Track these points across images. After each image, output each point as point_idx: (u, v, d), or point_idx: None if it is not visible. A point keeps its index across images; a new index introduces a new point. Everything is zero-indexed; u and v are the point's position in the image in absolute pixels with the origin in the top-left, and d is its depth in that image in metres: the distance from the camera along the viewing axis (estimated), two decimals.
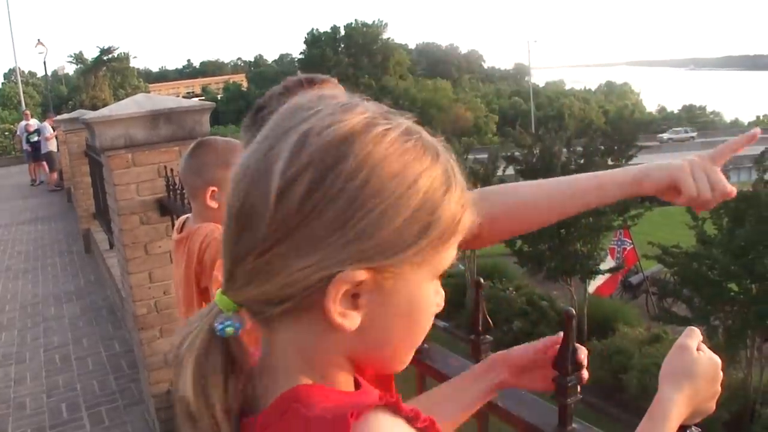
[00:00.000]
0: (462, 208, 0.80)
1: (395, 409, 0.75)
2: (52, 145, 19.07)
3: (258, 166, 0.76)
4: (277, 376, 0.80)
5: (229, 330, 0.79)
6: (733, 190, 1.28)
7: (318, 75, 1.53)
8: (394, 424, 0.74)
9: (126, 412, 5.30)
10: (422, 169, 0.76)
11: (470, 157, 27.02)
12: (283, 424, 0.74)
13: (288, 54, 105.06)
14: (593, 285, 21.85)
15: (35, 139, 20.58)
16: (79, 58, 54.77)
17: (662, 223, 24.40)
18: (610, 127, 23.95)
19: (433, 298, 0.82)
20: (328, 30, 78.28)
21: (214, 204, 2.62)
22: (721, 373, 1.08)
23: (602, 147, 22.24)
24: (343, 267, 0.74)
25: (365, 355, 0.82)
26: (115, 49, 54.49)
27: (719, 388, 1.08)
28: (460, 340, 16.40)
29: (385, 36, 78.54)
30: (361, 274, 0.74)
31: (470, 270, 21.79)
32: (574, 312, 1.23)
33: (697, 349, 1.07)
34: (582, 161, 21.89)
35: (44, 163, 20.60)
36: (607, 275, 21.84)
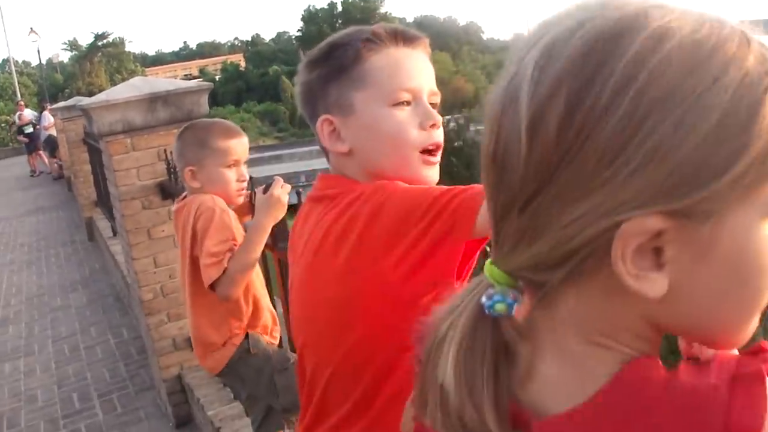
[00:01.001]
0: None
1: None
2: (53, 131, 19.01)
3: (503, 99, 0.60)
4: (570, 359, 0.62)
5: (500, 307, 0.63)
6: None
7: (415, 33, 1.39)
8: None
9: (138, 398, 5.28)
10: (728, 57, 0.55)
11: (472, 128, 27.00)
12: (625, 409, 0.58)
13: (285, 32, 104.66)
14: None
15: (30, 130, 20.54)
16: (73, 45, 54.62)
17: None
18: None
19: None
20: (325, 6, 78.09)
21: (195, 183, 2.65)
22: None
23: None
24: (629, 212, 0.54)
25: (684, 326, 0.62)
26: (109, 35, 54.35)
27: None
28: None
29: (382, 10, 78.24)
30: (657, 221, 0.54)
31: None
32: None
33: None
34: None
35: (41, 153, 20.56)
36: None
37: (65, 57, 64.08)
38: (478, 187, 1.05)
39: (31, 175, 21.81)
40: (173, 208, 2.78)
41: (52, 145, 18.94)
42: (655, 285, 0.56)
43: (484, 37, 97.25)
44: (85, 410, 5.26)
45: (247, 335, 2.66)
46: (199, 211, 2.52)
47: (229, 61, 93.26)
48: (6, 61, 50.70)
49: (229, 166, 2.63)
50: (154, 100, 4.03)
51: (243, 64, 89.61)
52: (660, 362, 0.60)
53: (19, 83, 40.76)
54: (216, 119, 2.88)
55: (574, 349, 0.62)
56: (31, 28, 36.61)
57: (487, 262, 0.66)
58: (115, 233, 8.09)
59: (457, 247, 1.09)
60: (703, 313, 0.60)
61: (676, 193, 0.54)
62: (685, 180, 0.54)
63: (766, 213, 0.57)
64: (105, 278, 8.78)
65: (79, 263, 9.96)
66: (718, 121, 0.53)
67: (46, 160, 20.38)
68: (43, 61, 53.76)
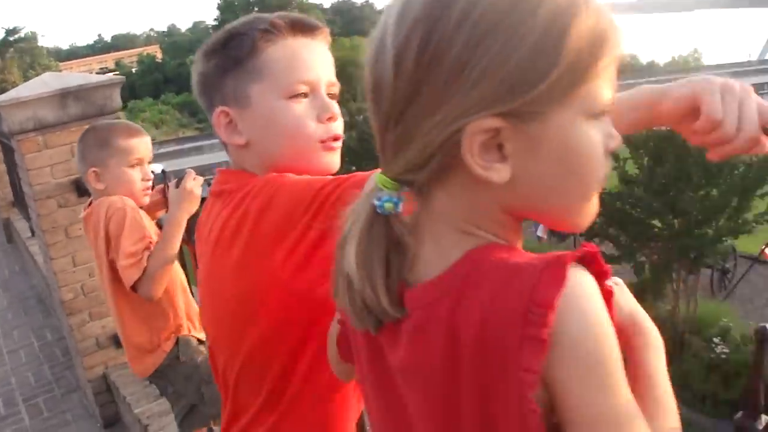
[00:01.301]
0: (604, 28, 0.73)
1: (591, 261, 0.73)
2: None
3: (375, 45, 0.77)
4: (441, 244, 0.78)
5: (388, 205, 0.78)
6: (766, 145, 1.01)
7: (315, 22, 1.40)
8: (591, 281, 0.71)
9: (64, 400, 5.19)
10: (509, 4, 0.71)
11: None
12: (472, 279, 0.74)
13: (202, 21, 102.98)
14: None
15: None
16: None
17: None
18: None
19: (596, 138, 0.76)
20: None
21: (99, 185, 2.61)
22: None
23: None
24: (471, 116, 0.71)
25: (531, 211, 0.78)
26: (21, 29, 52.69)
27: None
28: None
29: None
30: (493, 121, 0.71)
31: None
32: None
33: None
34: None
35: None
36: None
37: None
38: (361, 175, 1.14)
39: None
40: (81, 215, 2.74)
41: None
42: (500, 173, 0.73)
43: None
44: (10, 416, 5.14)
45: (177, 340, 2.64)
46: (110, 213, 2.49)
47: (145, 53, 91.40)
48: None
49: (132, 166, 2.60)
50: (65, 95, 3.95)
51: (159, 55, 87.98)
52: (509, 247, 0.77)
53: None
54: (115, 120, 2.86)
55: (445, 237, 0.78)
56: None
57: (376, 171, 0.81)
58: (33, 233, 7.90)
59: None
60: (543, 196, 0.76)
61: (506, 99, 0.70)
62: (512, 88, 0.70)
63: (584, 112, 0.73)
64: (25, 280, 8.58)
65: None
66: (534, 43, 0.69)
67: None
68: None
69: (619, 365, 0.71)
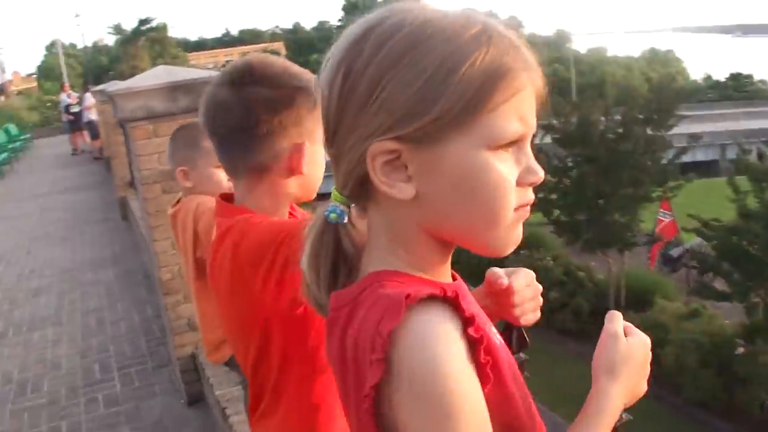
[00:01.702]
0: (503, 66, 0.82)
1: (454, 305, 0.81)
2: (93, 115, 19.33)
3: (320, 81, 0.90)
4: (371, 256, 0.90)
5: (333, 215, 0.90)
6: None
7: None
8: (439, 322, 0.79)
9: (154, 373, 5.50)
10: (436, 31, 0.82)
11: None
12: (360, 297, 0.85)
13: (326, 21, 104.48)
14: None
15: (76, 109, 20.94)
16: (118, 29, 55.26)
17: (704, 195, 24.05)
18: (652, 96, 23.35)
19: (500, 169, 0.83)
20: None
21: (188, 184, 2.65)
22: (650, 353, 1.03)
23: (641, 116, 21.78)
24: (374, 138, 0.82)
25: (442, 231, 0.87)
26: (153, 20, 54.83)
27: (648, 369, 1.03)
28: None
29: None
30: (391, 144, 0.82)
31: None
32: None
33: (626, 333, 1.01)
34: (621, 130, 21.51)
35: (85, 132, 20.95)
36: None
37: (110, 40, 64.88)
38: None
39: (73, 154, 22.23)
40: (169, 211, 2.78)
41: (92, 126, 19.29)
42: (403, 191, 0.84)
43: (525, 32, 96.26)
44: (104, 381, 5.50)
45: None
46: (199, 212, 2.54)
47: (269, 49, 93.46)
48: (53, 43, 51.53)
49: (219, 166, 2.57)
50: (175, 88, 4.19)
51: (283, 52, 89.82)
52: (402, 275, 0.86)
53: (65, 65, 41.51)
54: None
55: (372, 253, 0.90)
56: (77, 13, 37.26)
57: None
58: None
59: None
60: (447, 217, 0.85)
61: (402, 125, 0.81)
62: (406, 116, 0.81)
63: (484, 143, 0.82)
64: (135, 256, 9.04)
65: (112, 241, 10.26)
66: (426, 79, 0.80)
67: (88, 140, 20.76)
68: (90, 44, 54.58)
69: (464, 409, 0.77)
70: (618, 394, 0.97)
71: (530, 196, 0.87)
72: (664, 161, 21.63)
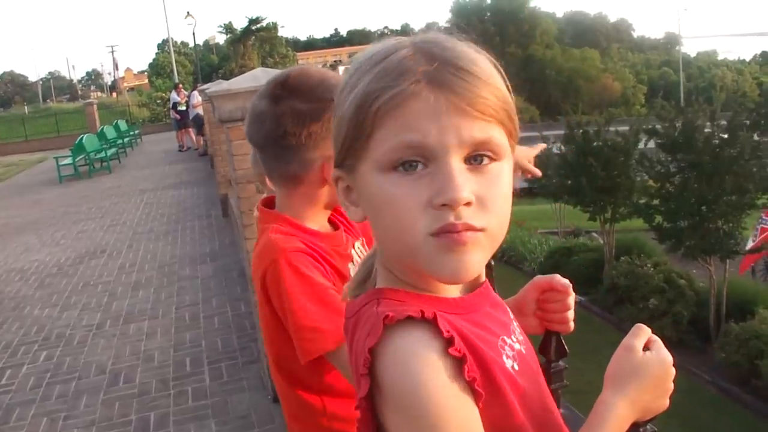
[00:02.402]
0: (371, 95, 0.86)
1: (432, 326, 0.83)
2: (201, 111, 19.89)
3: None
4: (378, 271, 0.97)
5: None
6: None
7: None
8: (416, 341, 0.82)
9: (243, 369, 5.61)
10: (350, 92, 0.89)
11: (612, 129, 26.55)
12: (361, 312, 0.91)
13: (435, 23, 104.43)
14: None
15: (183, 108, 21.66)
16: (228, 28, 56.53)
17: None
18: (761, 100, 22.40)
19: (392, 190, 0.85)
20: None
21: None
22: (673, 370, 1.01)
23: (747, 121, 20.90)
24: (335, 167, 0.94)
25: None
26: (263, 19, 55.87)
27: (671, 385, 1.02)
28: (594, 315, 16.16)
29: (531, 4, 76.53)
30: (335, 171, 0.93)
31: (609, 244, 21.27)
32: None
33: (647, 348, 1.01)
34: (726, 135, 20.75)
35: (190, 129, 21.64)
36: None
37: (221, 39, 66.57)
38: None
39: (179, 151, 23.00)
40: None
41: (199, 123, 19.87)
42: (354, 213, 0.93)
43: (635, 35, 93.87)
44: (194, 374, 5.64)
45: None
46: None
47: None
48: (165, 41, 53.30)
49: None
50: None
51: None
52: (400, 293, 0.90)
53: (176, 62, 42.93)
54: None
55: (379, 268, 0.96)
56: (188, 12, 38.55)
57: None
58: None
59: None
60: (378, 236, 0.92)
61: (336, 155, 0.92)
62: (335, 147, 0.92)
63: (375, 168, 0.86)
64: (233, 253, 9.27)
65: (212, 237, 10.54)
66: (338, 121, 0.91)
67: (194, 137, 21.42)
68: (200, 43, 56.21)
69: (446, 422, 0.81)
70: (624, 407, 0.98)
71: (450, 219, 0.83)
72: None
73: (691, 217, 20.32)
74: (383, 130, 0.84)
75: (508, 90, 0.90)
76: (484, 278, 0.99)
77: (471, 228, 0.84)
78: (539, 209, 21.96)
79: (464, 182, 0.83)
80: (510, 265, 18.11)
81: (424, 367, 0.81)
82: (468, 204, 0.83)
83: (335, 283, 1.53)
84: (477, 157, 0.85)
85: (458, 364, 0.83)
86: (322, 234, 1.65)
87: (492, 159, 0.86)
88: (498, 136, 0.87)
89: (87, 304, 7.92)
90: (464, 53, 0.87)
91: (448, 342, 0.82)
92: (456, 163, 0.84)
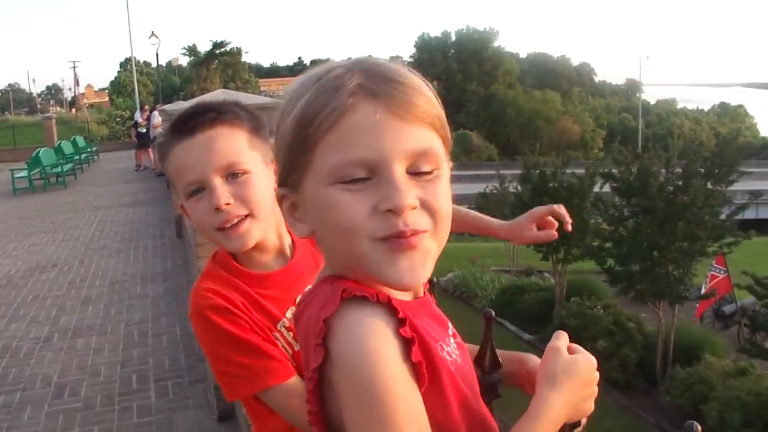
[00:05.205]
0: (311, 112, 0.90)
1: (387, 307, 0.88)
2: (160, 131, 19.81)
3: None
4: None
5: None
6: None
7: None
8: (370, 316, 0.86)
9: (190, 388, 5.62)
10: (290, 117, 0.94)
11: (568, 171, 27.04)
12: (313, 292, 0.97)
13: (398, 56, 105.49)
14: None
15: (144, 130, 21.66)
16: (192, 51, 56.36)
17: (763, 253, 23.50)
18: (717, 150, 22.90)
19: (338, 200, 0.88)
20: (439, 35, 77.93)
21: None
22: (597, 374, 1.05)
23: (702, 170, 21.38)
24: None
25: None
26: (227, 44, 55.86)
27: (596, 389, 1.05)
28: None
29: (495, 44, 77.18)
30: (279, 190, 0.98)
31: (560, 284, 21.53)
32: (493, 313, 1.32)
33: (571, 351, 1.05)
34: (680, 182, 21.18)
35: (150, 149, 21.55)
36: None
37: (184, 61, 66.38)
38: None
39: (136, 170, 22.84)
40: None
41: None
42: (300, 229, 0.98)
43: (597, 79, 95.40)
44: (140, 391, 5.63)
45: None
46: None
47: None
48: (128, 60, 52.97)
49: None
50: None
51: None
52: (349, 282, 0.92)
53: (138, 82, 42.68)
54: None
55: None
56: (153, 32, 38.36)
57: None
58: None
59: None
60: (327, 250, 0.97)
61: (279, 175, 0.97)
62: (278, 167, 0.98)
63: (323, 181, 0.90)
64: (185, 274, 9.23)
65: (164, 257, 10.50)
66: (279, 140, 0.96)
67: (152, 157, 21.32)
68: (163, 64, 55.93)
69: (394, 402, 0.84)
70: (559, 402, 1.00)
71: (397, 224, 0.88)
72: (723, 216, 21.26)
73: (642, 261, 20.59)
74: (325, 144, 0.88)
75: (438, 102, 0.95)
76: (422, 293, 1.03)
77: (419, 232, 0.89)
78: (493, 246, 22.11)
79: (408, 188, 0.88)
80: (462, 300, 18.17)
81: (376, 343, 0.85)
82: (413, 208, 0.88)
83: (263, 328, 1.52)
84: (418, 173, 0.90)
85: (407, 345, 0.86)
86: (263, 275, 1.61)
87: (432, 170, 0.91)
88: (436, 145, 0.92)
89: (35, 317, 7.86)
90: (394, 68, 0.93)
91: (401, 322, 0.87)
92: (399, 170, 0.88)
